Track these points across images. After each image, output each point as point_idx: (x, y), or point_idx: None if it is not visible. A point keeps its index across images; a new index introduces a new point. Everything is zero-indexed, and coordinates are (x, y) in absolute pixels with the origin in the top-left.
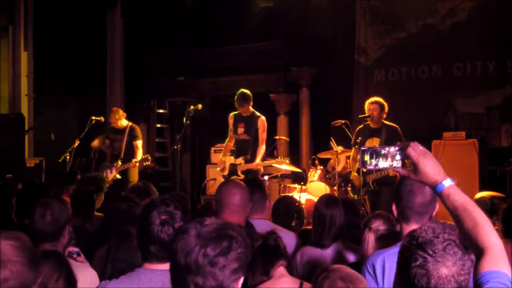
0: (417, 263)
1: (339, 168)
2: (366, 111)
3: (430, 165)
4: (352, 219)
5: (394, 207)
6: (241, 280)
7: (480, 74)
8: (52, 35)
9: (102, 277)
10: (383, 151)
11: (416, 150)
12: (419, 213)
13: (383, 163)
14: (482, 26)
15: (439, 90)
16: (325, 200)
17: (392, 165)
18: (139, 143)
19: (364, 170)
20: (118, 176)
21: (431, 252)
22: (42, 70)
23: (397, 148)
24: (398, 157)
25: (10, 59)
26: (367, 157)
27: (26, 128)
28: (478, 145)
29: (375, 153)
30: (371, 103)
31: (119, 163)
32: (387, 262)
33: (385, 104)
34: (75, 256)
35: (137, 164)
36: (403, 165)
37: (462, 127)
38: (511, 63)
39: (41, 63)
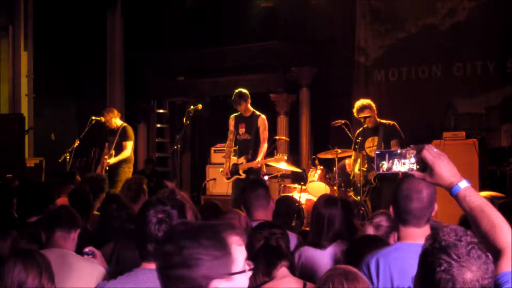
0: (442, 268)
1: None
2: (358, 116)
3: (445, 167)
4: (349, 219)
5: (391, 209)
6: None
7: (480, 74)
8: (52, 35)
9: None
10: (397, 154)
11: (431, 152)
12: (417, 217)
13: (397, 166)
14: (482, 26)
15: (439, 90)
16: (324, 200)
17: (407, 168)
18: (128, 143)
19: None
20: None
21: (455, 257)
22: (42, 70)
23: (411, 151)
24: (412, 159)
25: (10, 59)
26: (381, 161)
27: (26, 128)
28: (478, 145)
29: (389, 156)
30: (361, 110)
31: (107, 161)
32: (381, 262)
33: (371, 103)
34: (90, 256)
35: (109, 162)
36: (418, 167)
37: (462, 127)
38: (511, 63)
39: (41, 63)
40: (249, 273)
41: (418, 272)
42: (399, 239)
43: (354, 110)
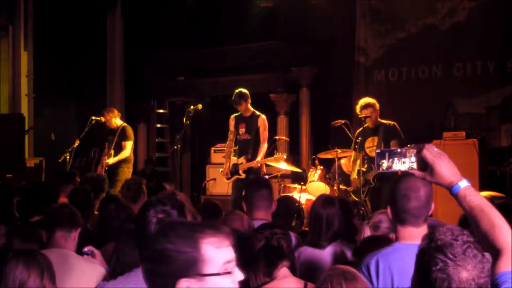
0: (438, 267)
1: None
2: (360, 114)
3: (446, 167)
4: (348, 219)
5: (389, 209)
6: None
7: (480, 74)
8: (52, 35)
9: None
10: (397, 153)
11: (431, 151)
12: (415, 216)
13: (397, 165)
14: (482, 26)
15: (439, 90)
16: (322, 200)
17: (407, 167)
18: (127, 143)
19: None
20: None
21: (451, 256)
22: (42, 70)
23: (412, 150)
24: (413, 159)
25: (10, 59)
26: (381, 159)
27: (26, 128)
28: (478, 145)
29: (389, 155)
30: (365, 107)
31: (106, 161)
32: (381, 262)
33: (376, 102)
34: (90, 256)
35: (108, 163)
36: (418, 166)
37: (462, 127)
38: (511, 63)
39: (41, 63)
40: (235, 276)
41: (415, 271)
42: (397, 239)
43: (358, 107)
